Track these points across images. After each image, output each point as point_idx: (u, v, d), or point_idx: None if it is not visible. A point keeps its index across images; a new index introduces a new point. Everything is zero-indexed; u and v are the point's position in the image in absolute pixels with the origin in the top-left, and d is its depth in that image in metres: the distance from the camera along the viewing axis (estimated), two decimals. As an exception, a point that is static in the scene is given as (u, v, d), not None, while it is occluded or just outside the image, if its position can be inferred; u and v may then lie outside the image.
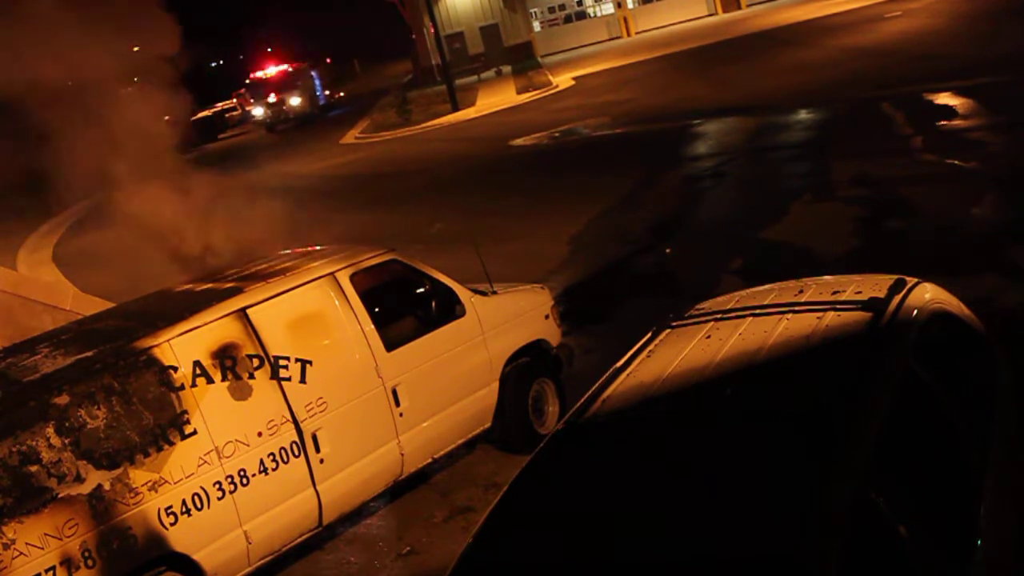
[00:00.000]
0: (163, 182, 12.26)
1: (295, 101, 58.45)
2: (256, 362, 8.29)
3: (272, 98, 57.92)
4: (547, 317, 10.70)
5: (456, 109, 44.13)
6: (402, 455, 9.17)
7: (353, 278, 9.17)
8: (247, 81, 61.67)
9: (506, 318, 10.23)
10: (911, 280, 6.00)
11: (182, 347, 7.95)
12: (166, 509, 7.62)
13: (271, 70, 60.49)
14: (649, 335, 6.09)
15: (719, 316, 6.04)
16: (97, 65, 11.67)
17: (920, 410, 5.02)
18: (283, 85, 58.78)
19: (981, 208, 14.24)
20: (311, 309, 8.83)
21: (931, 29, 31.77)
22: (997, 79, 21.90)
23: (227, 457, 7.97)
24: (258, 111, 59.14)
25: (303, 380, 8.52)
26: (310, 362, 8.59)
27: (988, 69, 22.95)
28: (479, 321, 9.93)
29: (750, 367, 5.27)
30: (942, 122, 19.82)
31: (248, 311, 8.41)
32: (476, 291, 10.13)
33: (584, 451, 5.18)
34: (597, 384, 5.60)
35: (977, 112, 20.09)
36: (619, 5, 64.83)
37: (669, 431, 5.02)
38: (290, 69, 60.61)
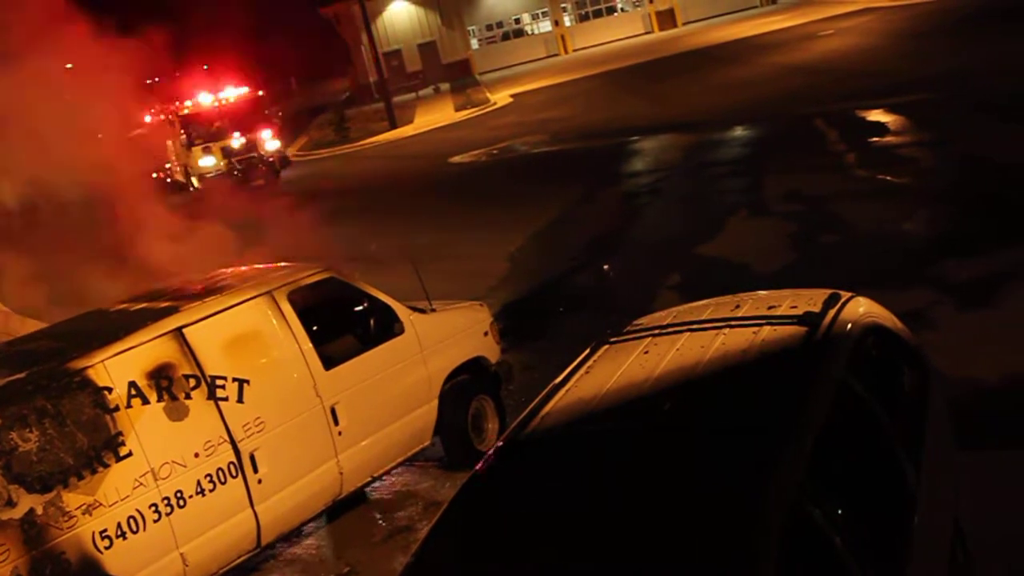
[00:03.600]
0: None
1: (272, 143, 37.22)
2: (192, 382, 8.19)
3: (237, 138, 36.46)
4: (486, 334, 10.70)
5: (394, 126, 44.13)
6: (341, 474, 9.10)
7: (291, 296, 9.10)
8: (175, 115, 37.94)
9: (445, 335, 10.21)
10: (845, 294, 6.08)
11: (117, 368, 7.83)
12: (101, 533, 7.49)
13: (224, 94, 38.06)
14: (587, 351, 6.11)
15: (657, 332, 6.07)
16: None
17: (855, 422, 5.09)
18: (245, 118, 37.32)
19: (913, 223, 14.48)
20: (248, 328, 8.75)
21: (863, 48, 32.30)
22: (927, 97, 22.32)
23: (163, 479, 7.86)
24: (207, 161, 36.71)
25: (240, 400, 8.43)
26: (247, 381, 8.50)
27: (918, 87, 23.39)
28: (418, 339, 9.90)
29: (688, 382, 5.30)
30: (874, 139, 20.15)
31: (184, 330, 8.31)
32: (415, 309, 10.10)
33: (524, 468, 5.18)
34: (536, 401, 5.61)
35: (908, 129, 20.45)
36: (556, 23, 65.24)
37: (608, 446, 5.03)
38: (250, 93, 39.14)
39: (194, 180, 37.04)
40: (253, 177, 36.01)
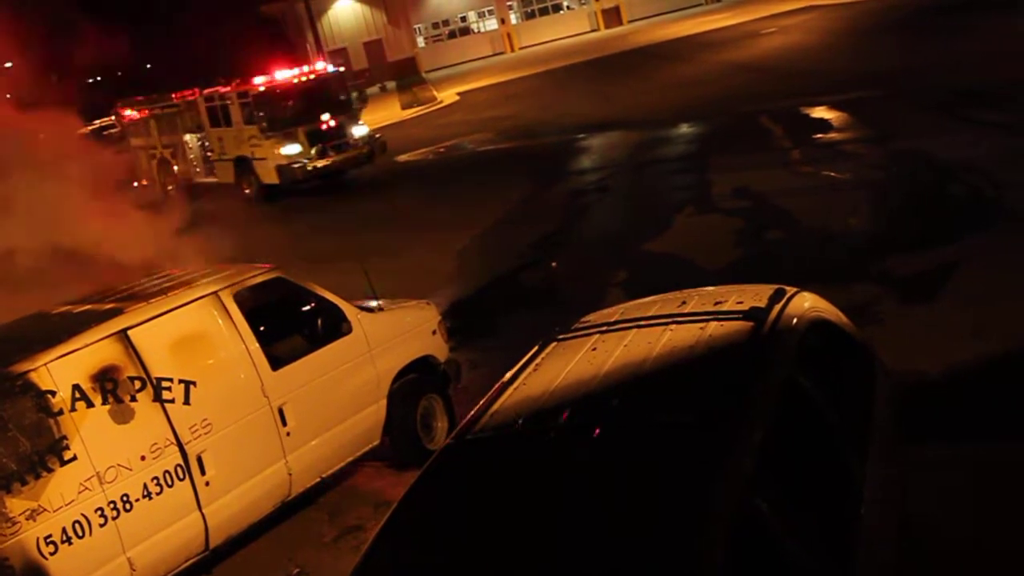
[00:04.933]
0: None
1: (359, 127, 29.68)
2: (138, 384, 8.10)
3: (326, 120, 28.63)
4: (434, 333, 10.68)
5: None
6: (290, 475, 9.05)
7: (237, 297, 9.03)
8: (247, 92, 28.85)
9: (393, 334, 10.19)
10: (790, 290, 6.13)
11: (60, 371, 7.73)
12: (45, 538, 7.39)
13: (288, 73, 29.84)
14: (536, 349, 6.11)
15: (604, 328, 6.09)
16: None
17: (802, 416, 5.13)
18: (328, 98, 29.53)
19: (857, 218, 14.65)
20: (194, 329, 8.67)
21: (806, 45, 32.63)
22: (869, 93, 22.60)
23: (109, 482, 7.77)
24: (291, 149, 27.93)
25: (187, 401, 8.36)
26: (194, 383, 8.43)
27: (861, 84, 23.67)
28: (366, 338, 9.87)
29: (636, 378, 5.32)
30: (818, 135, 20.37)
31: (129, 332, 8.21)
32: (362, 308, 10.07)
33: (473, 466, 5.18)
34: (485, 399, 5.60)
35: (851, 125, 20.70)
36: (502, 21, 65.35)
37: (557, 444, 5.04)
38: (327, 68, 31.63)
39: (259, 175, 28.60)
40: (348, 167, 28.81)
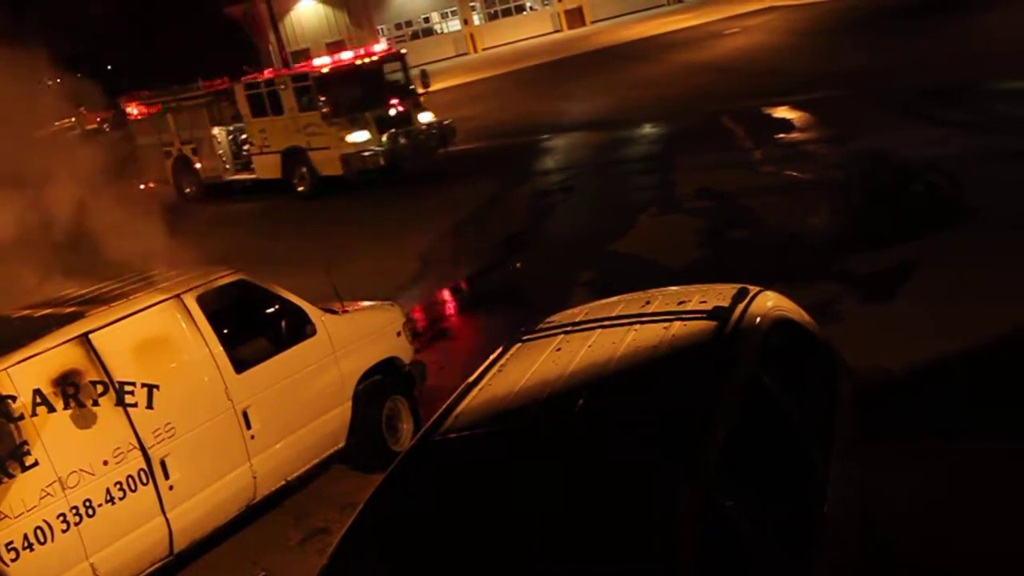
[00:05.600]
0: None
1: (424, 113, 26.95)
2: (100, 388, 8.04)
3: (395, 104, 26.05)
4: (399, 334, 10.66)
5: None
6: (255, 478, 9.01)
7: (200, 300, 8.97)
8: (307, 75, 26.40)
9: (357, 336, 10.16)
10: (753, 289, 6.16)
11: (20, 375, 7.65)
12: (7, 544, 7.32)
13: (349, 54, 28.15)
14: (500, 350, 6.11)
15: (569, 329, 6.10)
16: None
17: (765, 414, 5.15)
18: (391, 82, 27.30)
19: (818, 218, 14.76)
20: (157, 332, 8.61)
21: (768, 45, 32.81)
22: (830, 93, 22.77)
23: (71, 488, 7.70)
24: (358, 136, 25.12)
25: (150, 405, 8.30)
26: (157, 387, 8.37)
27: (822, 84, 23.84)
28: (330, 340, 9.84)
29: (600, 378, 5.33)
30: (780, 135, 20.48)
31: (91, 336, 8.14)
32: (326, 310, 10.03)
33: (439, 467, 5.17)
34: (450, 400, 5.60)
35: (812, 125, 20.85)
36: (466, 22, 65.30)
37: (523, 444, 5.04)
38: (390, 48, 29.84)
39: (316, 166, 25.79)
40: (419, 155, 25.90)
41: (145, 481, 8.16)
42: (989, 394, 8.52)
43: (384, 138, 24.97)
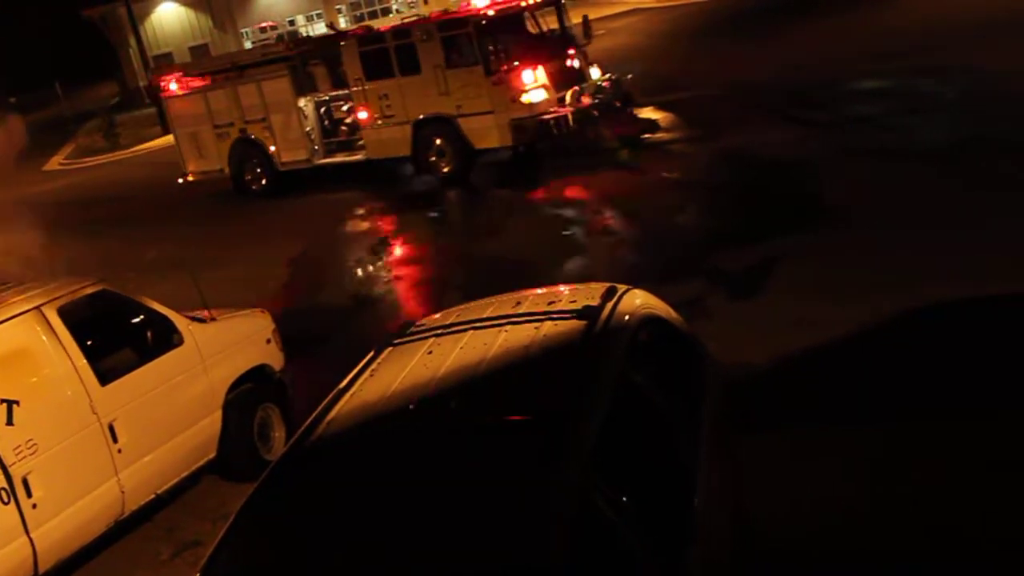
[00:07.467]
0: None
1: (594, 70, 21.88)
2: (-44, 406, 7.77)
3: (571, 55, 21.66)
4: (269, 341, 10.53)
5: (167, 132, 42.73)
6: (123, 493, 8.80)
7: (61, 311, 8.72)
8: (466, 21, 20.33)
9: (226, 344, 10.00)
10: (622, 287, 6.25)
11: None
12: None
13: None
14: (371, 354, 6.08)
15: (440, 331, 6.10)
16: None
17: (635, 412, 5.22)
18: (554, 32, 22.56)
19: (686, 217, 15.02)
20: (16, 346, 8.34)
21: (632, 47, 33.17)
22: (695, 94, 23.17)
23: (-72, 509, 7.43)
24: (537, 95, 19.89)
25: (10, 422, 8.03)
26: (17, 402, 8.10)
27: (686, 85, 24.23)
28: (198, 349, 9.67)
29: (472, 380, 5.34)
30: (646, 136, 20.74)
31: (-55, 352, 7.88)
32: (194, 319, 9.85)
33: (311, 474, 5.12)
34: (321, 406, 5.54)
35: (678, 125, 21.18)
36: (331, 25, 64.55)
37: (396, 448, 5.03)
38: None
39: (470, 137, 20.52)
40: (603, 116, 20.77)
41: (6, 500, 7.90)
42: (852, 383, 8.78)
43: (568, 96, 20.34)
